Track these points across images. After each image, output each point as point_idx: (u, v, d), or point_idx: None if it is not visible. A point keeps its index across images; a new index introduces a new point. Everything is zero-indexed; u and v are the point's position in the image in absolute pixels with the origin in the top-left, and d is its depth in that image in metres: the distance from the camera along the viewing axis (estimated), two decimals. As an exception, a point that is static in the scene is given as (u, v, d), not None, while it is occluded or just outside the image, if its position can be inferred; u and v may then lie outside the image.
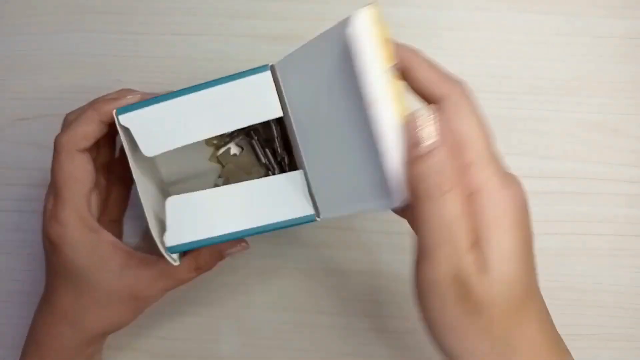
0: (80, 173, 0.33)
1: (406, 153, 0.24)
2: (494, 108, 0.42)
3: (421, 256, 0.25)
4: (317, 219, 0.30)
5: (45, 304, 0.35)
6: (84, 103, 0.42)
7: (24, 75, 0.42)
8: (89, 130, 0.32)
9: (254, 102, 0.30)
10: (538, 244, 0.41)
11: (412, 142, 0.24)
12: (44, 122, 0.42)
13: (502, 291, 0.24)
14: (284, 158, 0.38)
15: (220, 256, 0.35)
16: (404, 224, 0.41)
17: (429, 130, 0.24)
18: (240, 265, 0.41)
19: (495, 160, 0.26)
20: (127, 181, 0.38)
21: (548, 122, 0.42)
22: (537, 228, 0.41)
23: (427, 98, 0.27)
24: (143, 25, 0.42)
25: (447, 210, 0.24)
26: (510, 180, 0.26)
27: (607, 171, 0.41)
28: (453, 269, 0.24)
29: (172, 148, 0.31)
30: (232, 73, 0.31)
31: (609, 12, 0.42)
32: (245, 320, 0.41)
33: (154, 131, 0.30)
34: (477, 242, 0.24)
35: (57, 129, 0.42)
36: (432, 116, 0.24)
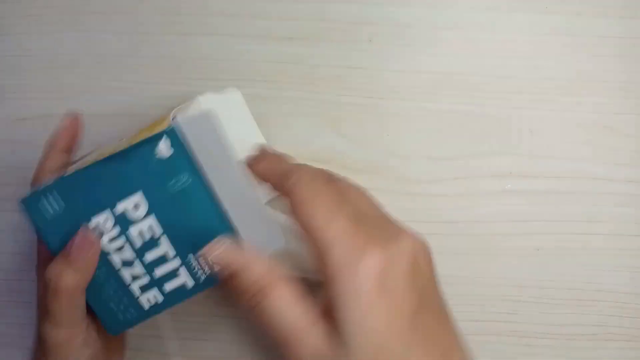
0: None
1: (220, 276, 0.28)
2: (494, 108, 0.42)
3: (279, 351, 0.26)
4: None
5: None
6: (84, 103, 0.42)
7: (24, 75, 0.42)
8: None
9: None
10: (538, 244, 0.41)
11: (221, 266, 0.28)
12: (44, 122, 0.42)
13: None
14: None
15: None
16: (405, 223, 0.41)
17: (221, 257, 0.28)
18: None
19: (345, 238, 0.25)
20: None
21: (548, 122, 0.42)
22: (537, 228, 0.41)
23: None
24: (143, 25, 0.42)
25: (267, 315, 0.26)
26: (367, 254, 0.24)
27: (606, 171, 0.41)
28: (305, 357, 0.25)
29: None
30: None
31: (609, 12, 0.42)
32: (246, 320, 0.41)
33: None
34: (335, 324, 0.25)
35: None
36: (222, 246, 0.28)
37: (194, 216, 0.29)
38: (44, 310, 0.29)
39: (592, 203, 0.41)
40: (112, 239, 0.29)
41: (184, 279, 0.30)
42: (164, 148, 0.29)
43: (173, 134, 0.29)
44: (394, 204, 0.42)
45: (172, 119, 0.30)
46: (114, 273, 0.30)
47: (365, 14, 0.42)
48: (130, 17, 0.42)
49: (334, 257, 0.25)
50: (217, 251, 0.28)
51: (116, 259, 0.29)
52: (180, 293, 0.30)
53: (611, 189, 0.41)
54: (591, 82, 0.42)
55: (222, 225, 0.29)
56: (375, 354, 0.24)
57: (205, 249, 0.28)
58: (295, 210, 0.26)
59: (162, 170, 0.29)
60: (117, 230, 0.29)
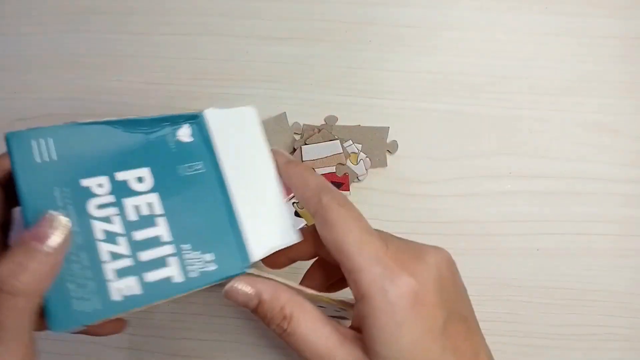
0: None
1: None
2: (494, 108, 0.42)
3: None
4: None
5: None
6: (83, 103, 0.42)
7: (24, 75, 0.42)
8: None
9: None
10: (538, 244, 0.41)
11: (242, 303, 0.27)
12: (44, 122, 0.42)
13: None
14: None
15: None
16: (405, 223, 0.41)
17: (243, 291, 0.27)
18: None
19: (376, 261, 0.26)
20: None
21: (548, 122, 0.42)
22: (537, 228, 0.41)
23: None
24: (143, 25, 0.42)
25: (295, 340, 0.27)
26: (399, 275, 0.26)
27: (607, 171, 0.41)
28: None
29: None
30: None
31: (609, 12, 0.42)
32: (246, 319, 0.41)
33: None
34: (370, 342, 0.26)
35: (57, 129, 0.42)
36: (236, 284, 0.27)
37: (199, 206, 0.27)
38: None
39: (592, 203, 0.41)
40: (102, 206, 0.25)
41: (173, 271, 0.25)
42: (186, 133, 0.28)
43: (198, 123, 0.28)
44: (394, 204, 0.42)
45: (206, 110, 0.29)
46: (89, 244, 0.24)
47: (365, 14, 0.42)
48: (130, 18, 0.42)
49: (368, 278, 0.26)
50: (242, 284, 0.27)
51: (99, 228, 0.24)
52: (164, 288, 0.25)
53: (611, 189, 0.41)
54: (592, 82, 0.42)
55: (226, 221, 0.27)
56: None
57: (231, 283, 0.27)
58: (328, 230, 0.27)
59: (178, 152, 0.27)
60: (111, 197, 0.25)
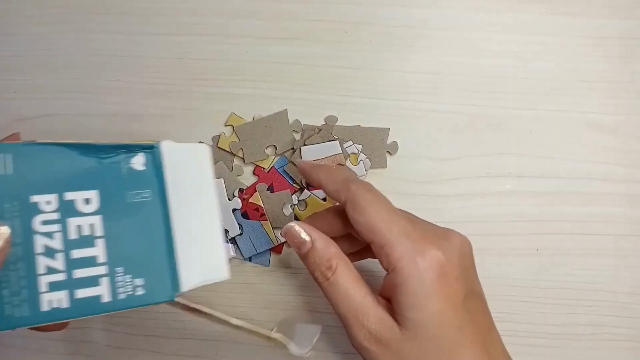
0: None
1: (299, 253, 0.32)
2: (493, 108, 0.42)
3: (343, 324, 0.31)
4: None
5: None
6: (83, 103, 0.42)
7: (24, 75, 0.42)
8: None
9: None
10: (538, 244, 0.41)
11: (296, 244, 0.31)
12: (44, 122, 0.42)
13: (425, 344, 0.29)
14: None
15: None
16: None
17: (300, 235, 0.31)
18: (240, 265, 0.41)
19: (405, 237, 0.29)
20: None
21: (548, 122, 0.42)
22: (537, 228, 0.41)
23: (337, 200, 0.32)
24: (143, 25, 0.42)
25: (336, 290, 0.30)
26: (427, 249, 0.29)
27: (607, 171, 0.41)
28: (365, 333, 0.29)
29: None
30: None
31: (609, 12, 0.42)
32: (246, 320, 0.41)
33: None
34: (399, 307, 0.29)
35: (57, 128, 0.42)
36: (296, 226, 0.31)
37: (140, 232, 0.28)
38: None
39: (592, 203, 0.41)
40: (47, 222, 0.26)
41: (103, 291, 0.27)
42: (139, 161, 0.29)
43: (153, 153, 0.29)
44: (394, 204, 0.42)
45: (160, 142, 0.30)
46: (28, 256, 0.26)
47: (365, 14, 0.42)
48: (130, 18, 0.42)
49: (399, 252, 0.29)
50: (301, 228, 0.31)
51: (40, 242, 0.26)
52: (91, 305, 0.27)
53: (611, 189, 0.41)
54: (592, 82, 0.42)
55: (163, 250, 0.28)
56: (434, 332, 0.28)
57: (291, 224, 0.31)
58: (359, 213, 0.30)
59: (128, 179, 0.28)
60: (56, 215, 0.27)
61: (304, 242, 0.31)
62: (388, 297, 0.30)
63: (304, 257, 0.31)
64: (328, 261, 0.30)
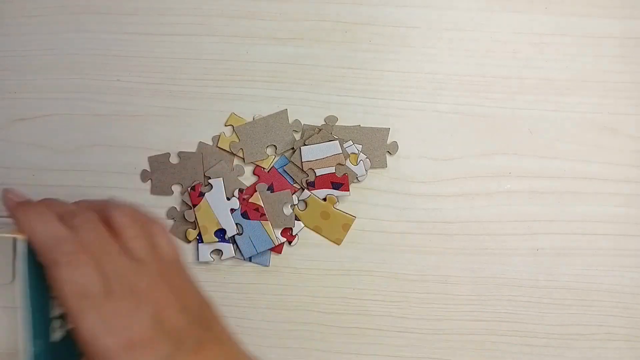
0: None
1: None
2: (493, 108, 0.42)
3: None
4: None
5: None
6: (84, 103, 0.42)
7: (24, 75, 0.42)
8: None
9: None
10: (538, 244, 0.41)
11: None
12: (44, 122, 0.42)
13: None
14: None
15: None
16: (405, 224, 0.41)
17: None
18: (240, 265, 0.41)
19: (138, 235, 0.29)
20: None
21: (548, 122, 0.42)
22: (537, 228, 0.41)
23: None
24: (143, 25, 0.42)
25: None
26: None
27: (607, 171, 0.41)
28: None
29: None
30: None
31: (609, 12, 0.42)
32: (246, 319, 0.41)
33: None
34: None
35: (57, 128, 0.42)
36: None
37: None
38: None
39: (592, 203, 0.41)
40: None
41: None
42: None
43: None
44: (394, 204, 0.42)
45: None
46: None
47: (365, 14, 0.42)
48: (130, 18, 0.42)
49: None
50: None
51: None
52: None
53: (611, 189, 0.41)
54: (591, 82, 0.42)
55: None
56: None
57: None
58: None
59: None
60: None
61: None
62: None
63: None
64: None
